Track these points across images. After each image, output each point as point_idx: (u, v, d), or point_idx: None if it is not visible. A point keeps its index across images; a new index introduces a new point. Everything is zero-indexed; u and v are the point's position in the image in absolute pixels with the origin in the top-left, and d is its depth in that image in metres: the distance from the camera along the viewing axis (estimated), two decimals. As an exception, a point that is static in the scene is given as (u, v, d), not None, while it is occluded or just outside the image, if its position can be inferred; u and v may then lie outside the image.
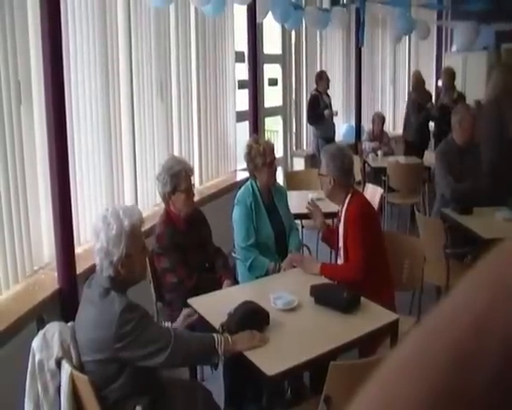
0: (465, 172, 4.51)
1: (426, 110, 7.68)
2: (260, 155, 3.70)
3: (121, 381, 2.34)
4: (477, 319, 0.32)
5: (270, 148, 3.77)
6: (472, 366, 0.30)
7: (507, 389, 0.30)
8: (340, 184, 3.35)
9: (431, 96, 8.38)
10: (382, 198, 5.69)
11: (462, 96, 7.69)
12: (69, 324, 2.48)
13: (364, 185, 6.09)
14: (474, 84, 9.63)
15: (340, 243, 3.35)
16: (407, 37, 9.91)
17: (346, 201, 3.34)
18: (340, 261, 3.39)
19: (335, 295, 2.86)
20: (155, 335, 2.35)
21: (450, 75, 7.74)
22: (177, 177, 3.39)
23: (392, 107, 11.28)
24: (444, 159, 4.64)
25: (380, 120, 7.92)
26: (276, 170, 3.90)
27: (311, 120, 7.98)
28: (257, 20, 6.30)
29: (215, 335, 2.47)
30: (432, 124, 7.99)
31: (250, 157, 3.75)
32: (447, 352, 0.32)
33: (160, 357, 2.32)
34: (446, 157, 4.63)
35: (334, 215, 5.06)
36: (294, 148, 8.65)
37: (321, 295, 2.91)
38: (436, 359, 0.32)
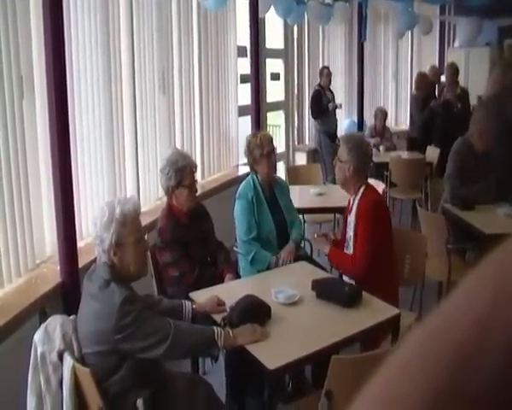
0: (480, 176, 4.41)
1: (429, 108, 7.65)
2: (258, 147, 3.73)
3: (122, 373, 2.35)
4: (479, 320, 0.32)
5: (267, 138, 3.80)
6: (473, 366, 0.31)
7: (509, 390, 0.30)
8: (357, 174, 3.36)
9: (434, 94, 8.37)
10: (384, 193, 5.69)
11: (465, 92, 7.67)
12: (71, 317, 2.49)
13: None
14: (477, 80, 9.59)
15: (350, 234, 3.37)
16: (409, 32, 9.88)
17: (360, 192, 3.35)
18: (349, 251, 3.40)
19: (337, 290, 2.87)
20: (155, 326, 2.36)
21: (453, 71, 7.71)
22: (181, 172, 3.39)
23: (394, 102, 11.26)
24: (457, 160, 4.55)
25: (382, 115, 7.90)
26: (275, 161, 3.92)
27: (314, 114, 7.99)
28: (259, 15, 6.29)
29: (215, 327, 2.49)
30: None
31: (249, 150, 3.79)
32: (449, 352, 0.32)
33: (159, 349, 2.33)
34: (460, 158, 4.53)
35: (335, 210, 5.10)
36: (296, 142, 8.64)
37: (322, 290, 2.92)
38: (438, 359, 0.32)
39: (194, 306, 2.81)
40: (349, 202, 3.48)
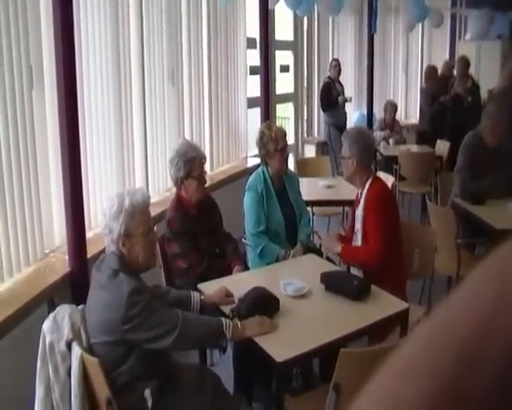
0: (490, 170, 4.36)
1: (439, 102, 7.59)
2: (272, 141, 3.70)
3: (129, 363, 2.35)
4: (482, 319, 0.32)
5: (282, 134, 3.78)
6: (476, 367, 0.31)
7: (508, 394, 0.30)
8: (361, 167, 3.37)
9: (446, 88, 8.30)
10: (393, 187, 5.66)
11: (476, 86, 7.61)
12: (79, 307, 2.50)
13: (376, 174, 6.06)
14: (488, 74, 9.52)
15: (358, 226, 3.36)
16: (420, 24, 9.81)
17: (367, 184, 3.35)
18: (357, 244, 3.39)
19: (346, 283, 2.87)
20: (163, 317, 2.37)
21: (464, 64, 7.63)
22: (190, 163, 3.38)
23: (404, 95, 11.20)
24: (467, 154, 4.51)
25: (392, 108, 7.86)
26: (287, 157, 3.91)
27: (324, 106, 7.98)
28: (269, 6, 6.26)
29: (223, 319, 2.49)
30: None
31: (262, 143, 3.75)
32: (455, 348, 0.32)
33: (167, 339, 2.33)
34: (471, 152, 4.49)
35: (344, 203, 5.08)
36: (306, 135, 8.63)
37: (331, 283, 2.91)
38: (442, 357, 0.32)
39: (202, 297, 2.82)
40: (357, 196, 3.48)
